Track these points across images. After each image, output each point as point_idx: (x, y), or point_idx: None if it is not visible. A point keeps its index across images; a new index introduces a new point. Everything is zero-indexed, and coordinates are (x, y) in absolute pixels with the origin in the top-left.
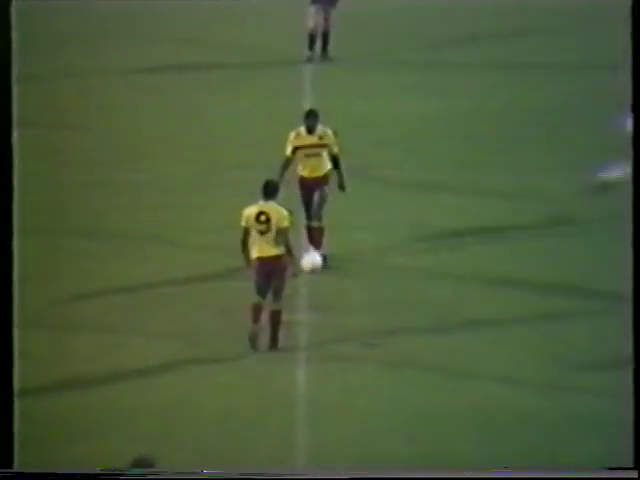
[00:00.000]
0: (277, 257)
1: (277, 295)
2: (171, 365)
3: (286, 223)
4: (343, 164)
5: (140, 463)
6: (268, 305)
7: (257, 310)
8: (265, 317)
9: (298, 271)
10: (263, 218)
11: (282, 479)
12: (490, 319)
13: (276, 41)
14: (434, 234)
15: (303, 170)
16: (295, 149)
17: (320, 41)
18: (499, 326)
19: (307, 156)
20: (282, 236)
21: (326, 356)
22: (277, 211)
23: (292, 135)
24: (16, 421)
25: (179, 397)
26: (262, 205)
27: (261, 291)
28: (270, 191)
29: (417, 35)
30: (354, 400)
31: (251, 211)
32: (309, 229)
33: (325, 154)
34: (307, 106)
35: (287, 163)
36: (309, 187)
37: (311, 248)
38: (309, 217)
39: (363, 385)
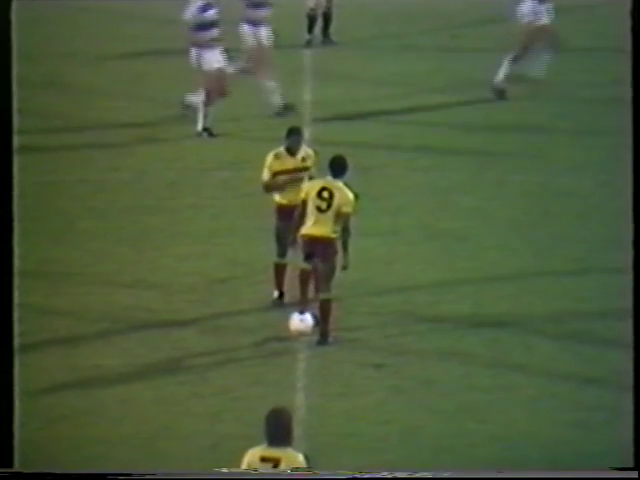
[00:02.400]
0: (327, 239)
1: (325, 282)
2: (164, 370)
3: (349, 209)
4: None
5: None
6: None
7: (306, 276)
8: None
9: (349, 264)
10: (326, 194)
11: (283, 479)
12: (513, 334)
13: (271, 23)
14: (449, 240)
15: (282, 198)
16: (274, 175)
17: (321, 22)
18: (523, 342)
19: (290, 182)
20: (342, 221)
21: (329, 378)
22: (342, 192)
23: (270, 157)
24: (16, 421)
25: (179, 398)
26: (328, 181)
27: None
28: (337, 168)
29: (431, 17)
30: (359, 428)
31: (314, 185)
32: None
33: (306, 179)
34: (306, 95)
35: (267, 190)
36: (289, 217)
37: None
38: (283, 254)
39: (370, 411)
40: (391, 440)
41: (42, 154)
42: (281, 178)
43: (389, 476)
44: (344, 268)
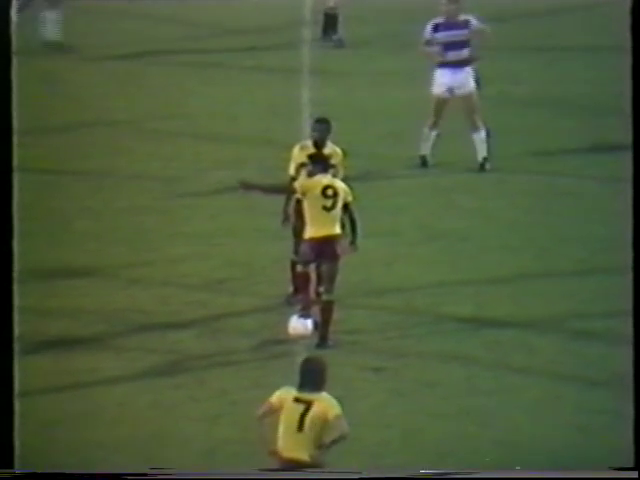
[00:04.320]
0: (336, 237)
1: (330, 283)
2: (160, 373)
3: (351, 197)
4: (346, 162)
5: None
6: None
7: (305, 278)
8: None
9: (351, 250)
10: (330, 192)
11: (286, 479)
12: (515, 336)
13: (271, 21)
14: (450, 241)
15: (300, 191)
16: (300, 166)
17: (325, 21)
18: (525, 344)
19: (310, 175)
20: (349, 211)
21: (328, 381)
22: (341, 184)
23: (296, 149)
24: (16, 421)
25: (175, 402)
26: (326, 178)
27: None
28: (322, 165)
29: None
30: (359, 432)
31: (314, 184)
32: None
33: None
34: (305, 95)
35: (292, 186)
36: None
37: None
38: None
39: (370, 415)
40: (392, 444)
41: (37, 153)
42: (303, 170)
43: (389, 476)
44: (352, 243)
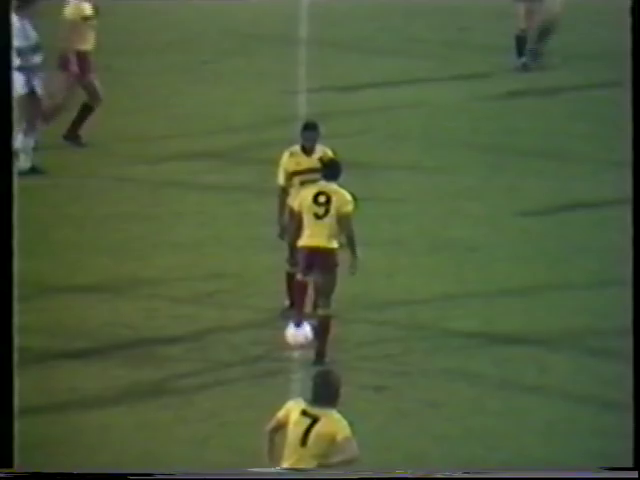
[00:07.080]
0: (329, 250)
1: (325, 297)
2: (146, 392)
3: (349, 208)
4: (345, 163)
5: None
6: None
7: (301, 288)
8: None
9: (356, 268)
10: (322, 199)
11: (286, 479)
12: (526, 353)
13: (264, 15)
14: (456, 251)
15: (296, 201)
16: (291, 175)
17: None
18: (537, 361)
19: (303, 183)
20: (344, 223)
21: None
22: (340, 193)
23: (285, 156)
24: (16, 421)
25: (162, 423)
26: (322, 185)
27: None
28: (331, 172)
29: (437, 10)
30: (360, 455)
31: (308, 192)
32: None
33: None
34: (301, 94)
35: (284, 195)
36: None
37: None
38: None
39: (371, 437)
40: (393, 468)
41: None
42: (296, 180)
43: (389, 476)
44: (352, 273)
